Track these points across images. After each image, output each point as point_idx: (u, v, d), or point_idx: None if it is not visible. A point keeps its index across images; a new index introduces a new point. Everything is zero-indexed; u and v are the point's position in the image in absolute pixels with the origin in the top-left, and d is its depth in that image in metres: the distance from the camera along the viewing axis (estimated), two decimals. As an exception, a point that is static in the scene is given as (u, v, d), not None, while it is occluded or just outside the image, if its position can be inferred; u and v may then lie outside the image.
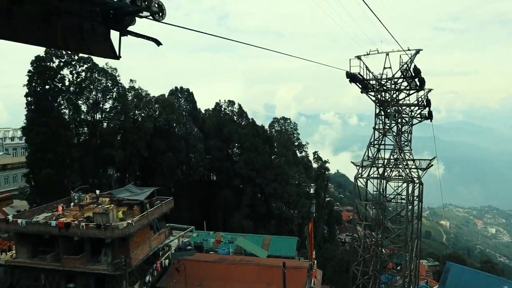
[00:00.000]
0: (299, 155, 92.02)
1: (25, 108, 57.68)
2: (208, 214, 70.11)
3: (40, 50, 58.52)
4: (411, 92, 35.99)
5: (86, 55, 57.59)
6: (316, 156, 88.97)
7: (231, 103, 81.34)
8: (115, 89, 65.71)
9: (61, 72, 60.19)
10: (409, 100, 37.33)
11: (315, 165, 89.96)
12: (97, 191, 41.30)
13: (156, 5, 6.21)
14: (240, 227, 61.50)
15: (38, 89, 57.76)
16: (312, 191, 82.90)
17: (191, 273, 32.58)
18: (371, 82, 35.32)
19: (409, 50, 32.89)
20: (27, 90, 57.02)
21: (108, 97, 65.27)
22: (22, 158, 77.46)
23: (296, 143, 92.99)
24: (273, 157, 76.51)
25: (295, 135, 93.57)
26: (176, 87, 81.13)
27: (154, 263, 35.44)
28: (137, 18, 6.48)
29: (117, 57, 6.69)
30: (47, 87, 58.66)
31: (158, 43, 6.76)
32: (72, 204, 37.84)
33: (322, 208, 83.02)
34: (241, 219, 65.88)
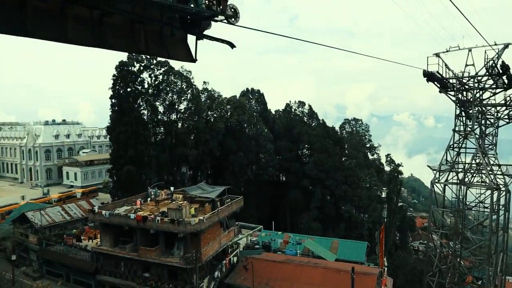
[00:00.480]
0: (370, 157, 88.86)
1: (110, 109, 62.71)
2: (276, 214, 70.42)
3: (123, 56, 63.20)
4: (498, 91, 33.05)
5: (163, 59, 61.13)
6: (388, 158, 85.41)
7: (301, 104, 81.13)
8: (189, 91, 68.85)
9: (141, 75, 64.66)
10: (494, 99, 34.31)
11: (387, 168, 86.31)
12: (172, 188, 43.49)
13: (231, 10, 6.43)
14: (308, 229, 61.00)
15: (121, 91, 62.30)
16: (383, 195, 79.71)
17: (258, 272, 33.02)
18: (450, 81, 33.12)
19: (496, 44, 30.26)
20: (111, 93, 61.92)
21: (183, 98, 68.63)
22: (106, 155, 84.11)
23: (368, 145, 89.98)
24: (343, 159, 74.87)
25: (366, 136, 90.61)
26: (247, 88, 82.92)
27: (223, 260, 36.38)
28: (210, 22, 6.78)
29: (194, 60, 7.04)
30: (128, 89, 63.12)
31: (232, 45, 6.97)
32: (149, 199, 40.25)
33: (394, 213, 79.37)
34: (309, 220, 65.32)
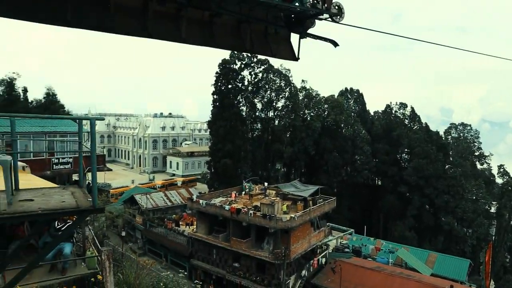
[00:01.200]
0: (479, 167, 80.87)
1: (211, 104, 66.22)
2: (368, 218, 68.01)
3: (226, 54, 66.14)
4: None
5: (263, 57, 62.58)
6: (501, 170, 76.82)
7: (402, 105, 76.97)
8: (287, 89, 69.62)
9: (242, 73, 67.13)
10: None
11: (499, 181, 77.67)
12: (265, 183, 44.45)
13: (336, 7, 6.33)
14: (402, 237, 57.78)
15: (222, 88, 65.35)
16: (493, 210, 71.99)
17: (346, 276, 32.18)
18: None
19: None
20: (213, 89, 65.36)
21: (281, 96, 69.68)
22: (205, 147, 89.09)
23: (477, 153, 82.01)
24: (447, 166, 69.30)
25: (475, 144, 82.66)
26: (346, 88, 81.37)
27: (311, 259, 36.23)
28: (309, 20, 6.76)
29: (296, 59, 7.10)
30: (229, 86, 65.91)
31: (335, 44, 6.86)
32: (243, 192, 41.67)
33: (505, 232, 71.18)
34: (404, 229, 61.78)
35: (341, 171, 69.07)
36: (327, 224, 40.43)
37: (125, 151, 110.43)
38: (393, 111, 77.48)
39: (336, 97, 76.78)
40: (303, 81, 75.32)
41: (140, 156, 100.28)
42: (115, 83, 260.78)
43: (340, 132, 71.27)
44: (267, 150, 68.19)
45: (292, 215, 31.78)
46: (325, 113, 72.58)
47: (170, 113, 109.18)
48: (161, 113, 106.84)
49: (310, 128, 67.35)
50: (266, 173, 67.46)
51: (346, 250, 39.24)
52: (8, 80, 56.05)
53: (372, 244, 43.23)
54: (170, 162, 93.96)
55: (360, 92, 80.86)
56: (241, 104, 68.30)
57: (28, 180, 7.21)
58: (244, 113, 68.52)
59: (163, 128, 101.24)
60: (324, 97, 75.25)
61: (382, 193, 69.94)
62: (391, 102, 78.34)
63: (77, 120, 5.31)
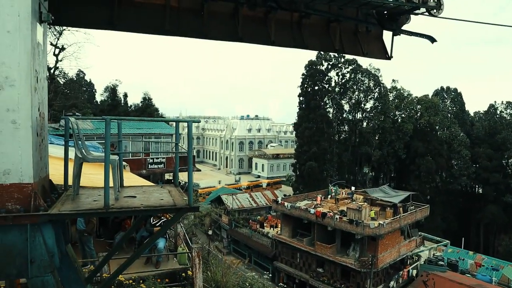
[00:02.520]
0: None
1: (297, 106, 66.29)
2: (466, 229, 62.50)
3: (312, 55, 65.75)
4: None
5: (351, 57, 61.05)
6: None
7: (510, 104, 69.37)
8: (376, 90, 66.96)
9: (329, 74, 66.18)
10: None
11: None
12: (353, 188, 43.21)
13: (434, 0, 5.88)
14: (508, 254, 51.87)
15: (309, 89, 65.00)
16: None
17: (440, 291, 29.85)
18: None
19: None
20: (299, 91, 65.31)
21: (369, 97, 67.27)
22: (291, 150, 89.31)
23: None
24: None
25: None
26: (441, 87, 76.17)
27: (401, 270, 34.37)
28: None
29: (389, 58, 6.75)
30: (316, 88, 65.36)
31: (433, 40, 6.39)
32: (329, 196, 40.99)
33: None
34: (510, 244, 55.55)
35: (435, 176, 64.34)
36: (419, 233, 37.95)
37: (212, 152, 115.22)
38: (498, 111, 70.29)
39: (430, 97, 71.97)
40: (393, 80, 71.78)
41: (226, 158, 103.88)
42: (202, 86, 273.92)
43: (435, 134, 66.56)
44: (354, 153, 66.29)
45: (381, 222, 30.45)
46: (418, 115, 68.32)
47: (256, 115, 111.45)
48: (248, 116, 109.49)
49: (401, 130, 64.00)
50: (353, 177, 65.62)
51: (440, 263, 36.32)
52: (112, 86, 62.28)
53: (471, 258, 39.49)
54: (256, 164, 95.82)
55: (458, 91, 74.94)
56: (327, 106, 67.37)
57: (128, 178, 7.84)
58: (330, 115, 67.46)
59: (249, 130, 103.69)
60: (416, 97, 70.92)
61: (483, 203, 63.81)
62: (495, 101, 71.28)
63: (175, 123, 5.68)
